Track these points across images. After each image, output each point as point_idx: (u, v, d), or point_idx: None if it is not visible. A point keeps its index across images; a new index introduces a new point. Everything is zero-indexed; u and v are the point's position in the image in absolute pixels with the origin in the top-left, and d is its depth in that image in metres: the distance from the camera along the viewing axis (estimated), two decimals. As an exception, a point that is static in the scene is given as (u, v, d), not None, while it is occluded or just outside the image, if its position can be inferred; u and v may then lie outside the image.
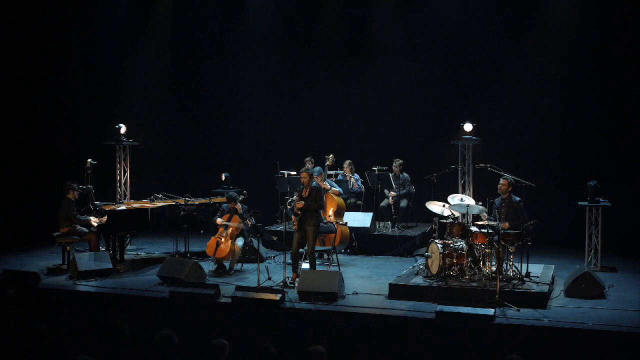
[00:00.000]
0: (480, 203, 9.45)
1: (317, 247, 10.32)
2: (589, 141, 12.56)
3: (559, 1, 12.84)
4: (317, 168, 11.64)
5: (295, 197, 9.73)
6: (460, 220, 9.95)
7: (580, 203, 10.60)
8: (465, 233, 9.27)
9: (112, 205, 11.28)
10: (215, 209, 11.27)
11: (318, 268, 9.92)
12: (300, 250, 9.71)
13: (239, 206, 10.54)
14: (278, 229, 12.05)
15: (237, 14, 14.93)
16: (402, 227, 12.37)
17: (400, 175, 12.57)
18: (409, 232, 12.16)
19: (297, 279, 9.35)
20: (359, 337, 7.90)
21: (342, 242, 11.28)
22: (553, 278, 9.43)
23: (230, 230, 10.42)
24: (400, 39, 13.83)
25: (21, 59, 13.93)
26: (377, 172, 12.42)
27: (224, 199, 11.37)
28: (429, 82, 13.52)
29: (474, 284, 8.77)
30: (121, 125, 13.02)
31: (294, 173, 12.28)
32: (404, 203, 12.48)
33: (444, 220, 9.69)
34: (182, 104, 15.29)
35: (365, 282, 9.78)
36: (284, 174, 12.58)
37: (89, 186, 11.51)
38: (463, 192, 11.35)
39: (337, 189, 11.85)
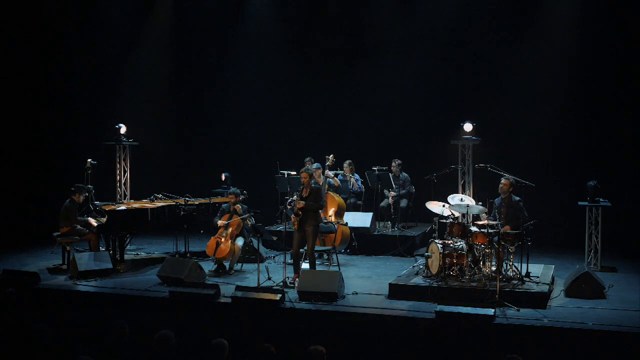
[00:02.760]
0: (480, 203, 9.45)
1: (317, 247, 10.33)
2: (589, 141, 12.56)
3: (560, 1, 12.84)
4: (316, 164, 11.67)
5: (295, 197, 9.74)
6: (460, 220, 9.95)
7: (580, 203, 10.60)
8: (465, 233, 9.27)
9: (112, 205, 11.28)
10: (215, 209, 11.28)
11: (318, 268, 9.92)
12: (301, 250, 9.71)
13: (238, 207, 10.55)
14: (278, 229, 12.05)
15: (237, 14, 14.92)
16: (402, 227, 12.37)
17: (400, 175, 12.59)
18: (409, 232, 12.16)
19: (297, 279, 9.36)
20: (359, 337, 7.90)
21: (342, 242, 11.29)
22: (553, 278, 9.43)
23: (230, 230, 10.42)
24: (400, 39, 13.82)
25: (21, 59, 13.92)
26: (377, 172, 12.42)
27: (224, 199, 11.38)
28: (429, 82, 13.52)
29: (474, 284, 8.77)
30: (121, 125, 13.02)
31: (294, 173, 12.29)
32: (403, 203, 12.49)
33: (444, 220, 9.69)
34: (182, 104, 15.29)
35: (365, 282, 9.78)
36: (284, 174, 12.59)
37: (89, 186, 11.51)
38: (463, 192, 11.35)
39: (337, 179, 11.92)
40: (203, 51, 15.08)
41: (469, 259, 9.04)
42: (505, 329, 7.64)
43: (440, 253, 9.05)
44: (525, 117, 12.88)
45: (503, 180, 9.48)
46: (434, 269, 9.20)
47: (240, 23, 14.87)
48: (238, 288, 8.82)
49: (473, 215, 10.15)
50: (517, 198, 9.41)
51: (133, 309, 8.82)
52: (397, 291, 8.91)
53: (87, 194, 11.02)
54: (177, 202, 11.13)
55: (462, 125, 11.56)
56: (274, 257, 11.52)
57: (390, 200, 12.47)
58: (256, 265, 9.56)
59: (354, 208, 12.38)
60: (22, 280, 9.49)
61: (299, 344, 6.59)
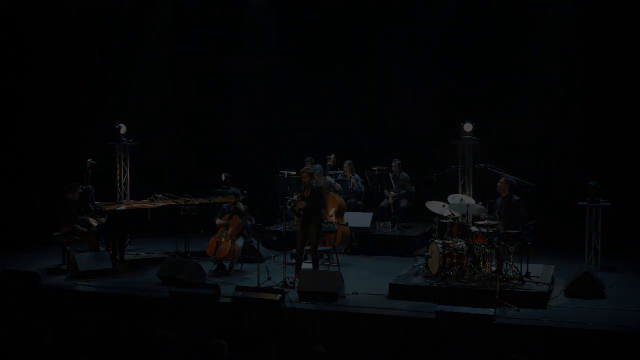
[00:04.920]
0: (481, 203, 9.45)
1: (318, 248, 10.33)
2: (589, 141, 12.55)
3: (560, 1, 12.84)
4: (318, 166, 11.67)
5: (295, 197, 9.74)
6: (460, 220, 9.94)
7: (580, 203, 10.59)
8: (465, 233, 9.27)
9: (112, 205, 11.28)
10: (215, 209, 11.27)
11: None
12: (305, 248, 9.73)
13: (239, 207, 10.57)
14: (278, 229, 12.05)
15: (237, 13, 14.93)
16: (402, 227, 12.37)
17: (400, 175, 12.59)
18: (409, 232, 12.16)
19: (297, 279, 9.36)
20: (359, 337, 7.90)
21: (342, 242, 11.29)
22: (553, 278, 9.43)
23: (230, 230, 10.43)
24: (400, 39, 13.82)
25: (21, 59, 13.93)
26: (377, 172, 12.43)
27: (224, 199, 11.39)
28: (429, 82, 13.51)
29: (474, 284, 8.77)
30: (121, 125, 13.00)
31: (294, 173, 12.29)
32: (403, 203, 12.50)
33: (444, 220, 9.68)
34: (182, 103, 15.29)
35: (365, 282, 9.76)
36: (284, 174, 12.59)
37: (89, 186, 11.51)
38: (463, 192, 11.34)
39: (338, 185, 11.95)
40: (203, 51, 15.07)
41: (469, 259, 9.04)
42: (505, 329, 7.63)
43: (440, 253, 9.04)
44: (525, 117, 12.87)
45: (501, 179, 9.50)
46: (434, 269, 9.20)
47: (240, 23, 14.88)
48: (238, 288, 8.81)
49: (473, 215, 10.14)
50: (517, 198, 9.41)
51: (133, 309, 8.82)
52: (397, 291, 8.90)
53: (82, 190, 10.98)
54: (177, 202, 11.14)
55: (462, 125, 11.54)
56: (274, 257, 11.52)
57: (390, 200, 12.48)
58: (256, 265, 9.56)
59: (354, 208, 12.38)
60: (22, 280, 9.49)
61: (299, 344, 6.60)
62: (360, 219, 11.96)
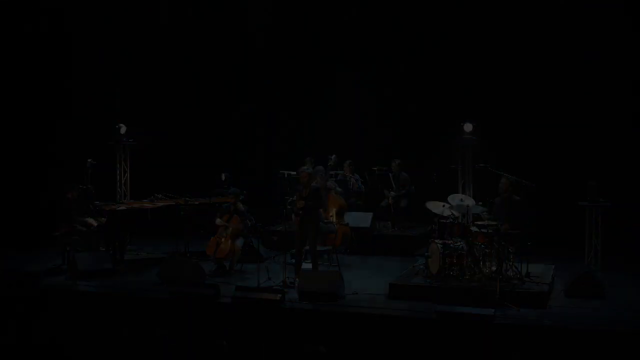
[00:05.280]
0: (480, 203, 9.44)
1: (318, 247, 10.33)
2: (589, 141, 12.54)
3: (561, 1, 12.83)
4: (320, 167, 11.69)
5: (295, 197, 9.76)
6: (460, 220, 9.94)
7: (580, 203, 10.59)
8: (465, 233, 9.27)
9: (112, 205, 11.28)
10: (215, 209, 11.27)
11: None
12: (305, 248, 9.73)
13: (239, 207, 10.57)
14: (278, 229, 12.05)
15: (237, 12, 14.92)
16: (402, 227, 12.37)
17: (400, 175, 12.59)
18: (409, 232, 12.16)
19: (297, 279, 9.37)
20: (359, 337, 7.91)
21: (343, 242, 11.29)
22: (553, 278, 9.43)
23: (230, 230, 10.44)
24: (400, 38, 13.82)
25: (20, 59, 13.93)
26: (377, 172, 12.43)
27: (224, 199, 11.39)
28: (428, 82, 13.51)
29: (474, 284, 8.77)
30: (121, 125, 13.00)
31: (294, 173, 12.29)
32: (403, 203, 12.50)
33: (444, 220, 9.69)
34: (182, 103, 15.27)
35: (365, 282, 9.77)
36: (284, 174, 12.58)
37: (89, 186, 11.51)
38: (463, 192, 11.34)
39: (339, 189, 11.94)
40: (202, 50, 15.06)
41: (469, 259, 9.04)
42: (505, 329, 7.64)
43: (440, 253, 9.05)
44: (525, 117, 12.87)
45: (502, 180, 9.50)
46: (434, 269, 9.20)
47: (240, 22, 14.86)
48: (238, 288, 8.82)
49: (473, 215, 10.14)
50: (518, 198, 9.41)
51: (133, 309, 8.82)
52: (397, 291, 8.91)
53: (80, 190, 10.97)
54: (177, 202, 11.13)
55: (462, 125, 11.54)
56: (274, 257, 11.52)
57: (390, 200, 12.48)
58: (256, 265, 9.56)
59: (354, 208, 12.38)
60: (22, 280, 9.50)
61: (299, 344, 6.61)
62: (360, 219, 11.96)
